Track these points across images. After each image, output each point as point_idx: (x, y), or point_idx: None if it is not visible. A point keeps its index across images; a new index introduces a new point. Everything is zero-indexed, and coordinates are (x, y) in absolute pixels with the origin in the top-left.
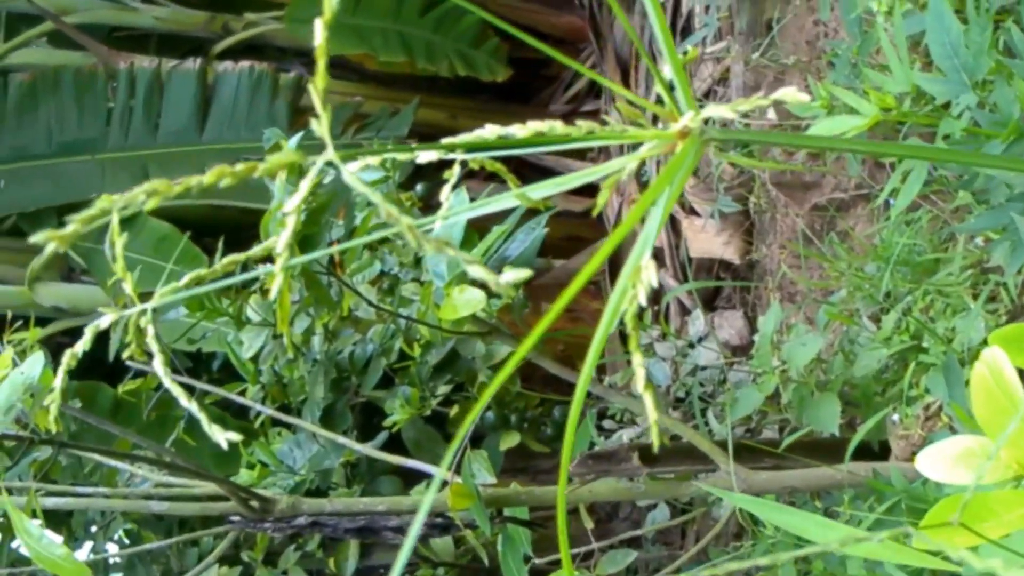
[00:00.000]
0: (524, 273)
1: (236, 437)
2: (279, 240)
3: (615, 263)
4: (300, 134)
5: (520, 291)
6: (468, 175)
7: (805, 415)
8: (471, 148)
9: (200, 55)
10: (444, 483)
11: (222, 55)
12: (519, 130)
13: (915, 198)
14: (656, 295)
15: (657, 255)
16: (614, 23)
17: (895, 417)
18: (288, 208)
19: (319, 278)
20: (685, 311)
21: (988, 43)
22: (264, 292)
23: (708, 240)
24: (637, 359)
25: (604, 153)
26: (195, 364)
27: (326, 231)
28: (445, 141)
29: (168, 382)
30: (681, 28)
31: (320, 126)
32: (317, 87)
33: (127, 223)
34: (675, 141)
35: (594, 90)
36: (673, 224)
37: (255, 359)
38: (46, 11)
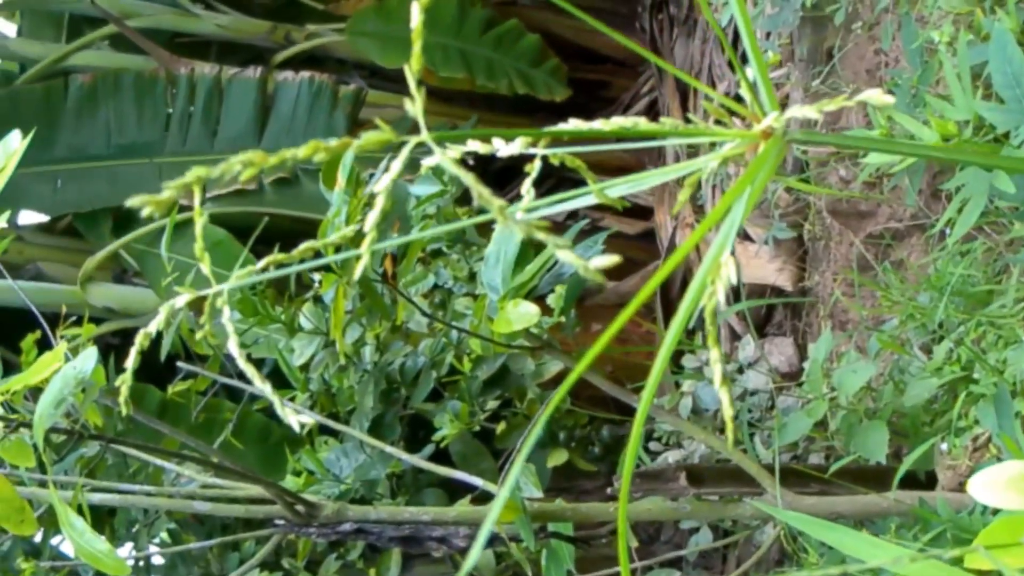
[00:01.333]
0: (613, 258)
1: (309, 420)
2: (368, 219)
3: (667, 287)
4: (357, 142)
5: (572, 310)
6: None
7: (853, 442)
8: (553, 141)
9: (261, 64)
10: (489, 496)
11: (282, 65)
12: (603, 124)
13: (970, 229)
14: (704, 320)
15: None
16: (675, 46)
17: (943, 447)
18: (379, 187)
19: (374, 286)
20: (735, 336)
21: None
22: (317, 299)
23: (761, 266)
24: (715, 354)
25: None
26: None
27: (386, 236)
28: (528, 132)
29: (242, 362)
30: (741, 54)
31: (415, 108)
32: (412, 68)
33: (181, 227)
34: (758, 141)
35: (652, 112)
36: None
37: (305, 367)
38: (109, 14)
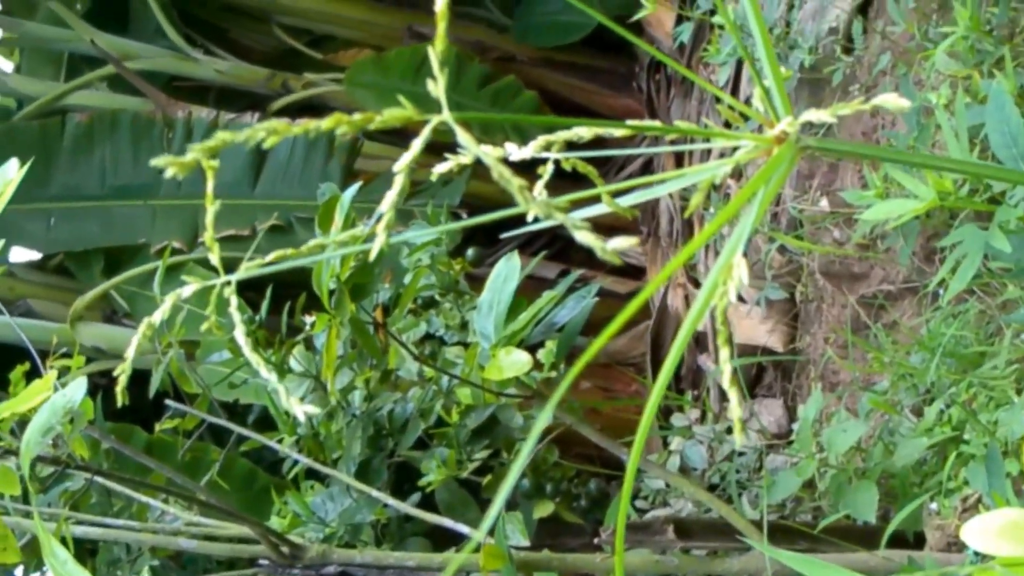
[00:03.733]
0: (631, 240)
1: (314, 410)
2: (385, 200)
3: (657, 344)
4: (356, 186)
5: (562, 365)
6: (519, 248)
7: (842, 501)
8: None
9: (258, 111)
10: (476, 548)
11: (279, 112)
12: (617, 131)
13: (963, 292)
14: (695, 379)
15: (699, 339)
16: (671, 107)
17: (932, 507)
18: (398, 167)
19: (366, 328)
20: (725, 397)
21: None
22: (308, 344)
23: (752, 327)
24: (724, 354)
25: (653, 236)
26: (230, 416)
27: (378, 283)
28: (541, 139)
29: (246, 347)
30: (739, 113)
31: (436, 88)
32: (437, 50)
33: (172, 271)
34: (772, 145)
35: (647, 171)
36: (717, 308)
37: None
38: (108, 55)
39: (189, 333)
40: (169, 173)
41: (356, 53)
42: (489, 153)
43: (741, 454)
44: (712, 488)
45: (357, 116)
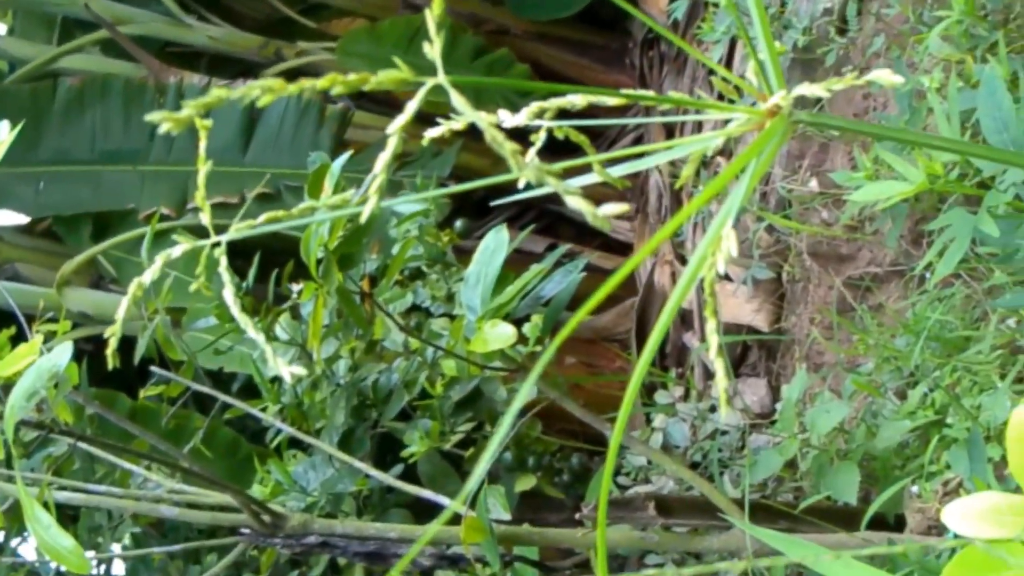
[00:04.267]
0: (622, 206)
1: (301, 371)
2: (378, 161)
3: (642, 320)
4: (346, 155)
5: (547, 338)
6: (507, 222)
7: (823, 482)
8: (559, 114)
9: (250, 78)
10: (458, 519)
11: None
12: (611, 99)
13: (950, 276)
14: (680, 357)
15: (684, 317)
16: (664, 84)
17: (913, 490)
18: (391, 129)
19: (352, 298)
20: (709, 375)
21: None
22: (294, 312)
23: (738, 306)
24: (711, 325)
25: (642, 212)
26: (215, 385)
27: (365, 253)
28: (534, 105)
29: (235, 308)
30: (734, 87)
31: (432, 51)
32: (434, 13)
33: (160, 236)
34: (765, 118)
35: (638, 146)
36: (703, 287)
37: (278, 378)
38: (102, 19)
39: (176, 300)
40: (163, 129)
41: (350, 22)
42: (483, 118)
43: (724, 433)
44: (694, 466)
45: (352, 76)
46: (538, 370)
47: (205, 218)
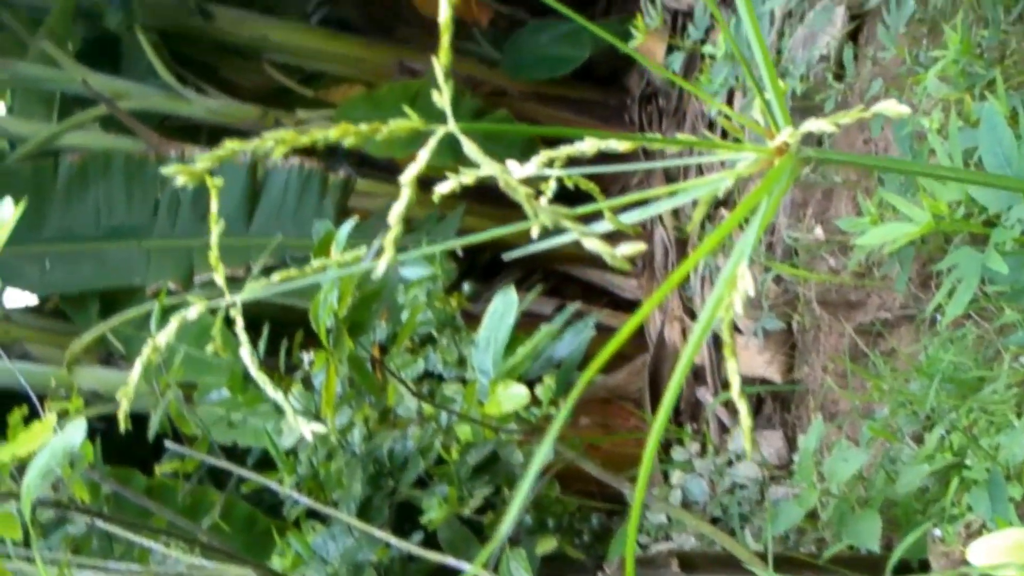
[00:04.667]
0: (639, 246)
1: (321, 428)
2: (392, 212)
3: (655, 378)
4: (352, 221)
5: (560, 399)
6: (514, 285)
7: (845, 531)
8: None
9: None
10: None
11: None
12: (619, 144)
13: (960, 317)
14: (695, 412)
15: (697, 372)
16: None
17: (936, 533)
18: (405, 179)
19: (364, 365)
20: (724, 429)
21: None
22: (306, 383)
23: (750, 358)
24: (732, 365)
25: (649, 269)
26: (229, 460)
27: (375, 319)
28: (543, 154)
29: (252, 367)
30: (734, 139)
31: (442, 99)
32: (441, 61)
33: (169, 311)
34: (773, 157)
35: (641, 205)
36: (715, 341)
37: (293, 450)
38: (100, 95)
39: (186, 375)
40: (178, 183)
41: (347, 89)
42: (493, 164)
43: (742, 487)
44: (714, 521)
45: (363, 126)
46: (555, 431)
47: (219, 279)
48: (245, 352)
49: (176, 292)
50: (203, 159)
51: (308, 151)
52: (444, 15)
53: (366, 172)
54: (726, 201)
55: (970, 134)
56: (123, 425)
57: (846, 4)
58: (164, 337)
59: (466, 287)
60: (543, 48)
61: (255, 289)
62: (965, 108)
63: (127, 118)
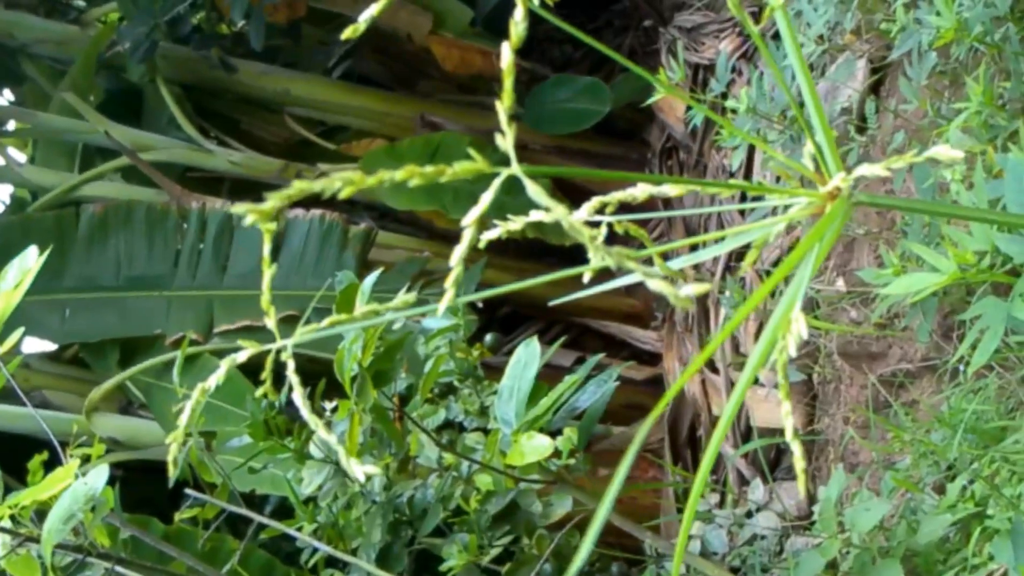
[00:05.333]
0: (705, 286)
1: (374, 470)
2: (454, 255)
3: (674, 429)
4: (377, 272)
5: (581, 452)
6: (537, 336)
7: None
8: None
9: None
10: None
11: (294, 203)
12: (671, 189)
13: (982, 368)
14: (715, 463)
15: (716, 424)
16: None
17: None
18: (467, 221)
19: (387, 414)
20: (744, 481)
21: None
22: (328, 425)
23: (770, 410)
24: (786, 407)
25: (669, 322)
26: (247, 507)
27: (399, 369)
28: (595, 200)
29: (299, 397)
30: (753, 196)
31: (505, 142)
32: (504, 104)
33: (190, 361)
34: (825, 201)
35: (662, 257)
36: (736, 392)
37: (313, 498)
38: (123, 146)
39: (206, 424)
40: (247, 222)
41: (369, 143)
42: (559, 207)
43: (762, 537)
44: (733, 572)
45: (429, 168)
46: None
47: (270, 322)
48: (297, 396)
49: (196, 342)
50: (275, 196)
51: (329, 203)
52: (506, 60)
53: (387, 225)
54: (743, 255)
55: (994, 185)
56: (171, 470)
57: (867, 57)
58: (214, 380)
59: (488, 338)
60: (564, 102)
61: (307, 333)
62: (988, 159)
63: (149, 169)
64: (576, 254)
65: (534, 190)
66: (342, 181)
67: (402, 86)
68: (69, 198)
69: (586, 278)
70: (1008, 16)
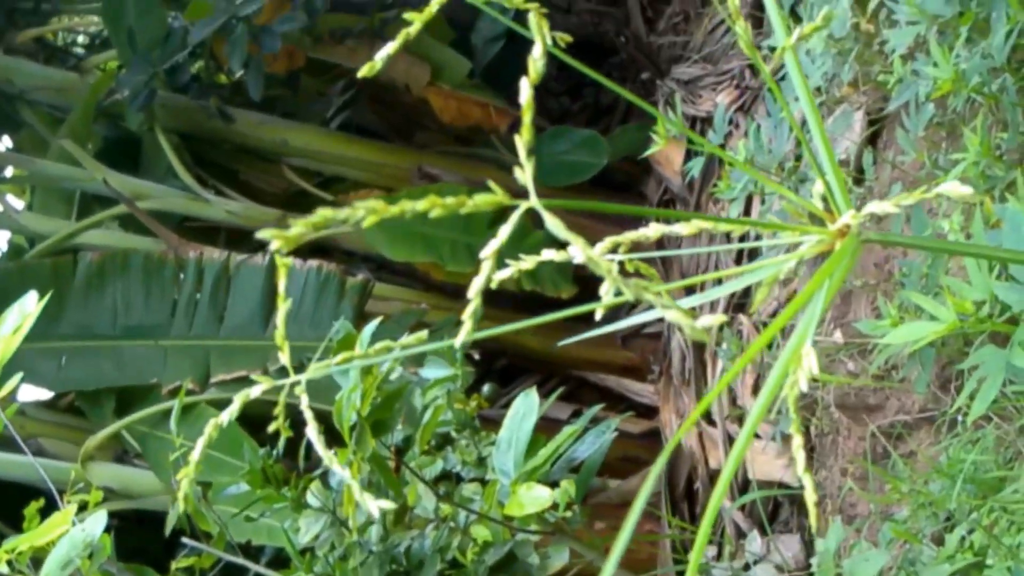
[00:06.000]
0: (720, 317)
1: (389, 505)
2: (473, 286)
3: (671, 483)
4: (377, 321)
5: (578, 506)
6: (538, 386)
7: None
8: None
9: (269, 251)
10: None
11: (291, 253)
12: (683, 228)
13: (980, 418)
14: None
15: (713, 477)
16: (681, 244)
17: None
18: (485, 254)
19: (385, 463)
20: (741, 533)
21: None
22: (324, 480)
23: (768, 462)
24: (797, 441)
25: (665, 375)
26: (243, 557)
27: (398, 417)
28: (608, 240)
29: (317, 443)
30: (749, 251)
31: (524, 175)
32: (524, 138)
33: (187, 410)
34: (835, 239)
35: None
36: (733, 445)
37: (310, 548)
38: (120, 195)
39: (201, 474)
40: (274, 247)
41: (366, 194)
42: (579, 241)
43: None
44: None
45: (450, 200)
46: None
47: (284, 358)
48: (311, 431)
49: (193, 391)
50: (300, 223)
51: (326, 254)
52: (525, 96)
53: (384, 276)
54: (743, 305)
55: (992, 235)
56: (181, 506)
57: (865, 109)
58: (227, 415)
59: (486, 388)
60: (561, 155)
61: (320, 368)
62: (985, 210)
63: (146, 218)
64: (571, 306)
65: (552, 223)
66: (365, 210)
67: (399, 137)
68: (66, 245)
69: (598, 315)
70: (1005, 67)
